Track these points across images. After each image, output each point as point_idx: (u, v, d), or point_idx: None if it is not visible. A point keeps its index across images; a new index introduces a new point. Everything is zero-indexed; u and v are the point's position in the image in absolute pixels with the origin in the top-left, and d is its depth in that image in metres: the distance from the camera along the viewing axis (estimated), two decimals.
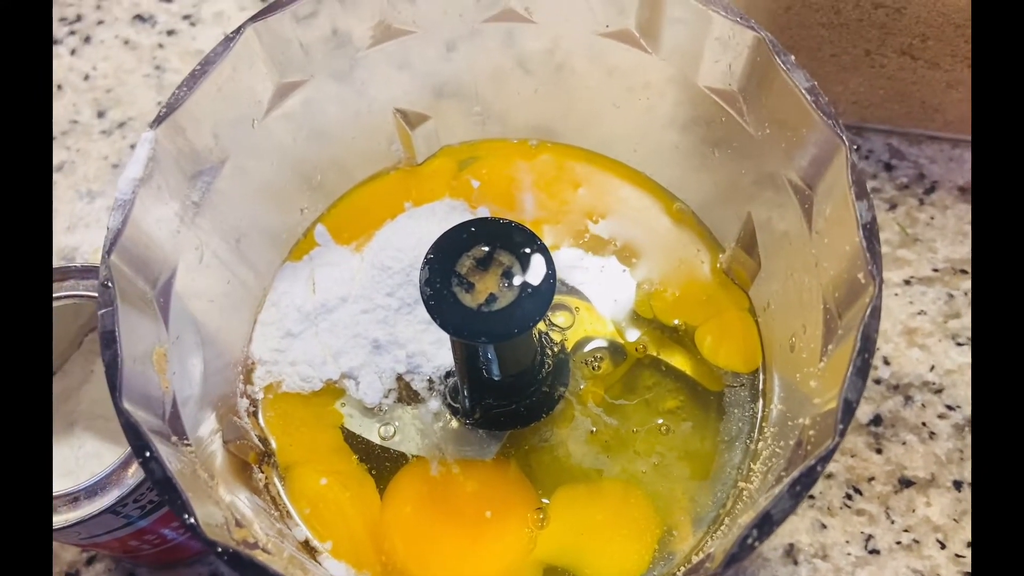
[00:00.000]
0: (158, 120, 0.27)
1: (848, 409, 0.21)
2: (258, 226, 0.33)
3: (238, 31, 0.27)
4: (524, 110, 0.37)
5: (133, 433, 0.23)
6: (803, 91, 0.24)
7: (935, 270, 0.41)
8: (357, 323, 0.34)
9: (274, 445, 0.32)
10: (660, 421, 0.32)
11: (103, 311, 0.24)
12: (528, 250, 0.27)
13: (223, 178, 0.30)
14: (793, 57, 0.25)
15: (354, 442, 0.32)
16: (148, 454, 0.23)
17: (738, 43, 0.26)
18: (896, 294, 0.40)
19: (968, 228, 0.41)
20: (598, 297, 0.34)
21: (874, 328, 0.22)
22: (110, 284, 0.24)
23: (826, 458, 0.21)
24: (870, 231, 0.23)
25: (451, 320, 0.26)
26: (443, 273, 0.27)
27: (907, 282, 0.40)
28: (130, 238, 0.25)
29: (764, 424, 0.31)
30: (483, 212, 0.36)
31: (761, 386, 0.32)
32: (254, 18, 0.28)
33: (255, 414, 0.32)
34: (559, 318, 0.34)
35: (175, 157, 0.28)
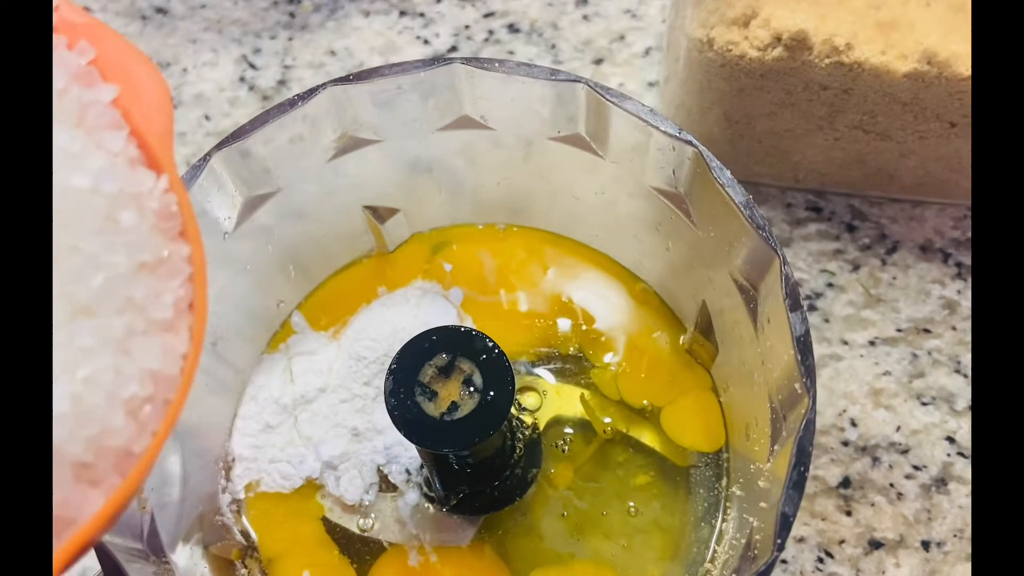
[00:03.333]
0: None
1: (785, 524, 0.22)
2: (233, 328, 0.34)
3: (204, 159, 0.29)
4: (490, 196, 0.38)
5: (105, 558, 0.24)
6: (738, 205, 0.26)
7: (899, 330, 0.42)
8: (336, 412, 0.35)
9: (255, 539, 0.33)
10: (631, 504, 0.33)
11: None
12: (486, 357, 0.28)
13: None
14: (729, 172, 0.26)
15: (335, 533, 0.33)
16: None
17: (679, 154, 0.28)
18: (862, 355, 0.41)
19: (929, 287, 0.42)
20: (566, 378, 0.36)
21: (809, 440, 0.23)
22: None
23: (766, 572, 0.22)
24: (804, 344, 0.24)
25: (415, 431, 0.27)
26: (406, 383, 0.28)
27: (872, 343, 0.41)
28: None
29: (728, 504, 0.32)
30: (456, 294, 0.38)
31: (725, 464, 0.33)
32: (219, 145, 0.29)
33: (237, 511, 0.34)
34: (528, 399, 0.35)
35: None
